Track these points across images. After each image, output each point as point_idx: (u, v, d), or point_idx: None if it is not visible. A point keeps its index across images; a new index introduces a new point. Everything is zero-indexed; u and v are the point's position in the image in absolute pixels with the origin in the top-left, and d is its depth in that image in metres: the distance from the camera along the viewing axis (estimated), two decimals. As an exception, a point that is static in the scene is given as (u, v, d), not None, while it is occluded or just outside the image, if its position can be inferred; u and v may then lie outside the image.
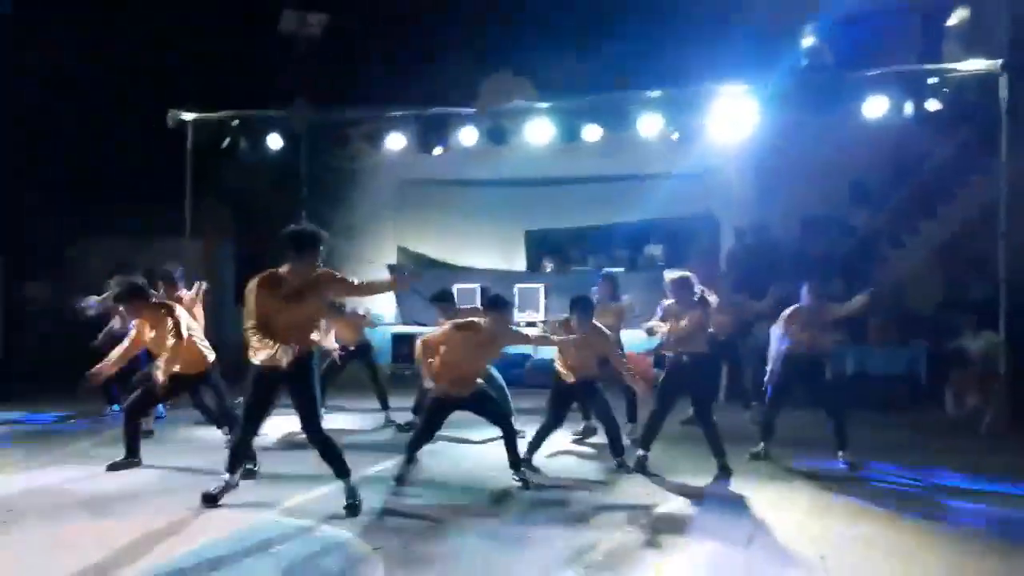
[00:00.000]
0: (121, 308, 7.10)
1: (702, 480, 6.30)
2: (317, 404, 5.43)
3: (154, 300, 6.52)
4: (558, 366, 6.84)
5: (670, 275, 6.74)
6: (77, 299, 8.35)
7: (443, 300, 7.96)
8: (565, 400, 6.91)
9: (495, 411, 6.30)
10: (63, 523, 5.14)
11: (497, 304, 6.21)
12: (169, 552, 4.59)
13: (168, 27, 11.74)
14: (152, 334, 6.32)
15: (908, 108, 9.73)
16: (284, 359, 5.13)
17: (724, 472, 6.39)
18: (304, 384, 5.33)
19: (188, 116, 10.91)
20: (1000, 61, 8.80)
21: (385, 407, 8.68)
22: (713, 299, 6.94)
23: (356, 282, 5.58)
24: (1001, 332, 8.76)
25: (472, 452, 7.36)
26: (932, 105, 9.71)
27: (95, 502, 5.58)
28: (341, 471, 5.42)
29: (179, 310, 6.45)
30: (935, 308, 11.11)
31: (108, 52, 11.70)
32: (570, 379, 6.75)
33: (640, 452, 6.66)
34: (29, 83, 11.44)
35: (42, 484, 6.06)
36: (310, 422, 5.37)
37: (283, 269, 5.27)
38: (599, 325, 6.82)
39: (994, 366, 8.94)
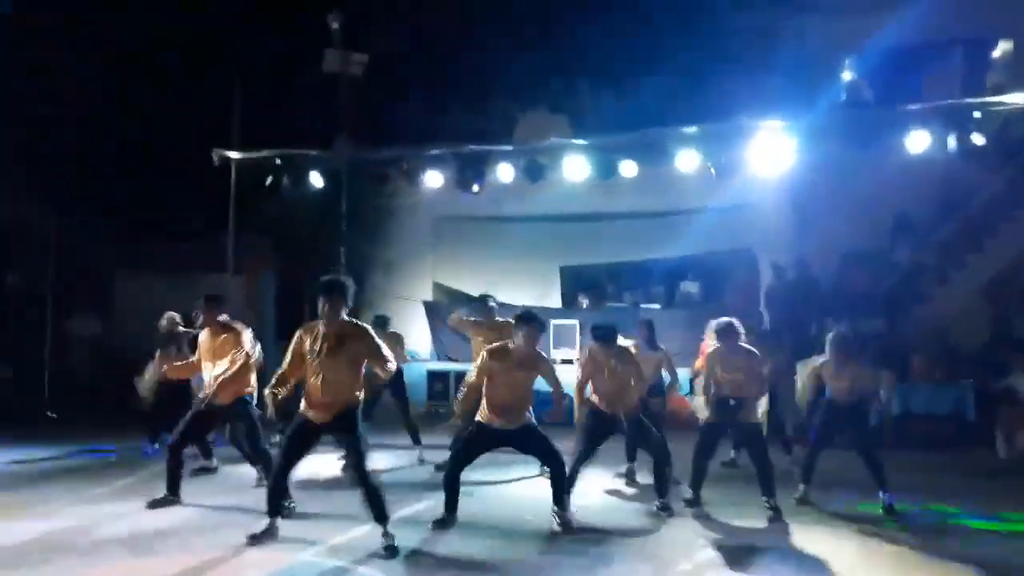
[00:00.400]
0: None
1: (745, 524, 6.16)
2: (363, 450, 5.42)
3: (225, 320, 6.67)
4: (593, 399, 6.70)
5: (716, 323, 6.74)
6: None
7: (482, 301, 8.14)
8: (600, 430, 6.66)
9: (543, 447, 6.13)
10: (101, 561, 5.16)
11: (526, 318, 6.07)
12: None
13: (215, 66, 12.01)
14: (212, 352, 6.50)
15: (951, 142, 9.60)
16: (316, 416, 5.37)
17: (775, 513, 6.28)
18: (347, 433, 5.44)
19: (233, 155, 11.16)
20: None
21: (416, 442, 8.64)
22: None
23: (386, 354, 5.50)
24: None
25: (506, 492, 7.29)
26: (976, 139, 9.56)
27: (133, 540, 5.61)
28: (380, 516, 5.42)
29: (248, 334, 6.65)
30: (981, 345, 10.84)
31: (152, 91, 12.01)
32: (607, 409, 6.59)
33: (689, 495, 6.61)
34: (71, 119, 11.75)
35: (80, 521, 6.11)
36: (357, 466, 5.42)
37: (320, 321, 5.39)
38: (626, 348, 6.70)
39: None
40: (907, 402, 10.07)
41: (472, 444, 6.13)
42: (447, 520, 5.97)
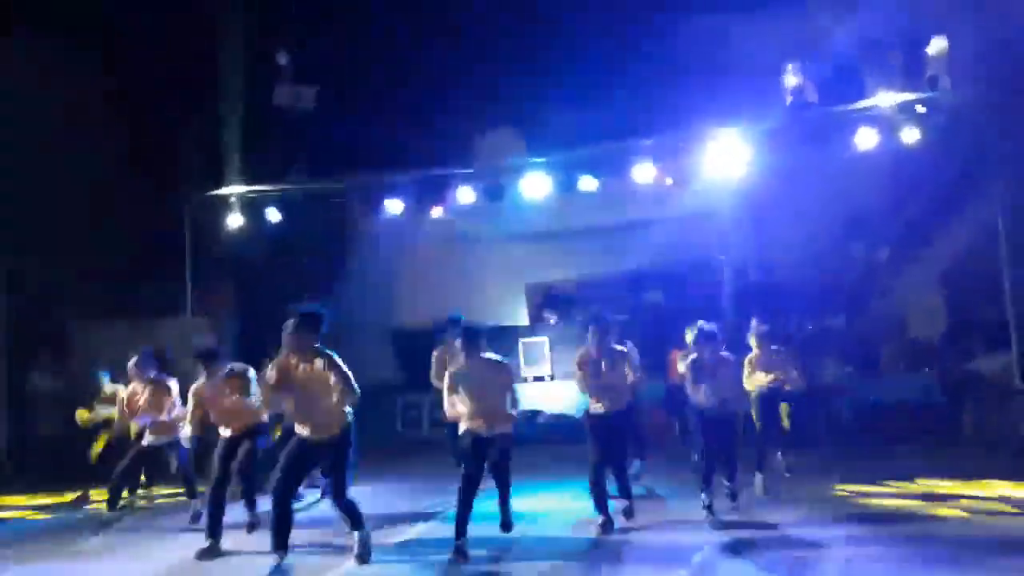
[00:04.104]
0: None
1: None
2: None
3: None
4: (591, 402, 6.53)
5: (697, 328, 6.77)
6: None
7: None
8: (604, 432, 6.44)
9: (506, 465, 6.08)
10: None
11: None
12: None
13: (160, 109, 11.80)
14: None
15: (897, 138, 9.95)
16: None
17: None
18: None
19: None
20: (983, 86, 9.01)
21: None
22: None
23: None
24: (1013, 350, 8.78)
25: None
26: (920, 134, 9.92)
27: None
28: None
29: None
30: (941, 334, 11.11)
31: (103, 132, 11.72)
32: (600, 410, 6.44)
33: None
34: (26, 166, 11.44)
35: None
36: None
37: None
38: (618, 347, 6.62)
39: (1009, 384, 8.95)
40: (877, 393, 10.28)
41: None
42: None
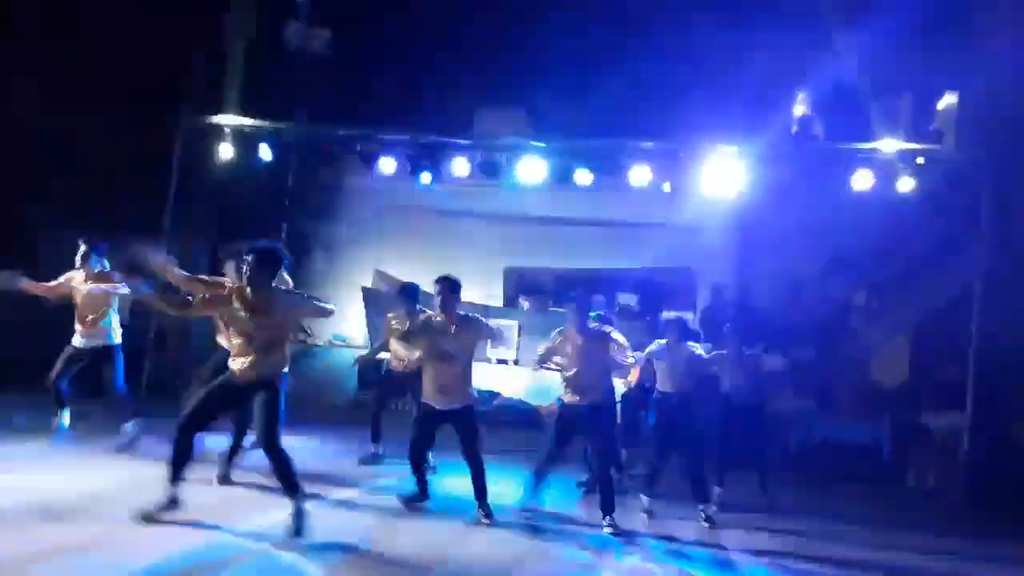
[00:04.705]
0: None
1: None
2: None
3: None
4: (562, 389, 6.35)
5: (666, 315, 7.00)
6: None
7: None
8: (570, 428, 6.28)
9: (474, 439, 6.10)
10: (9, 528, 4.94)
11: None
12: (118, 568, 4.43)
13: (171, 27, 11.57)
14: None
15: (893, 185, 10.02)
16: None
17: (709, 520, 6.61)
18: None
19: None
20: (985, 149, 9.07)
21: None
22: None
23: None
24: (968, 414, 8.89)
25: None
26: (917, 184, 9.98)
27: (48, 506, 5.38)
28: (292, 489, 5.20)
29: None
30: (901, 383, 11.23)
31: (100, 40, 11.46)
32: (575, 400, 6.21)
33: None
34: (5, 65, 11.16)
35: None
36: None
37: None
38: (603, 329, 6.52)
39: (954, 446, 9.08)
40: (829, 432, 10.39)
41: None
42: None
